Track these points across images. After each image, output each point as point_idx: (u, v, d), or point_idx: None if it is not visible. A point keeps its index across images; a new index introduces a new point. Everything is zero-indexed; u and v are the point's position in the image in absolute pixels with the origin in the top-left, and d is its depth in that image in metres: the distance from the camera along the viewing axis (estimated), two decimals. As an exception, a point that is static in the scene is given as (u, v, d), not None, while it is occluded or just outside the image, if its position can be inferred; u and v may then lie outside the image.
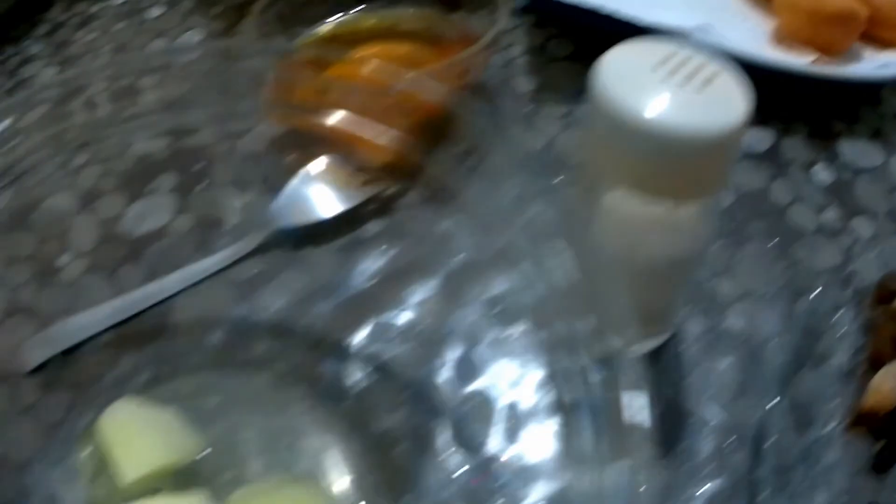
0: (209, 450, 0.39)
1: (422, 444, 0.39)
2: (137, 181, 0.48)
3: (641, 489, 0.25)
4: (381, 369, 0.42)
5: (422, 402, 0.41)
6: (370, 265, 0.45)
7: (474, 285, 0.43)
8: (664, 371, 0.41)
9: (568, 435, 0.30)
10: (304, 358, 0.43)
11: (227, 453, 0.39)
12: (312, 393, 0.41)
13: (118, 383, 0.43)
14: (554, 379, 0.35)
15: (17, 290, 0.46)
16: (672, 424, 0.39)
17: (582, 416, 0.29)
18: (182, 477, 0.39)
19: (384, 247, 0.44)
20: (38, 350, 0.44)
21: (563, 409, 0.31)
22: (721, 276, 0.45)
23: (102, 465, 0.39)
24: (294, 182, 0.46)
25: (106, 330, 0.44)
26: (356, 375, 0.42)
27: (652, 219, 0.35)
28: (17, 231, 0.47)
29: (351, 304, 0.44)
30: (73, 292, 0.45)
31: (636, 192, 0.33)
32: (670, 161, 0.31)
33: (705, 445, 0.38)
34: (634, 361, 0.28)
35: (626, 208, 0.35)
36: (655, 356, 0.41)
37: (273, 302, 0.44)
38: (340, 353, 0.43)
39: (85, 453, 0.40)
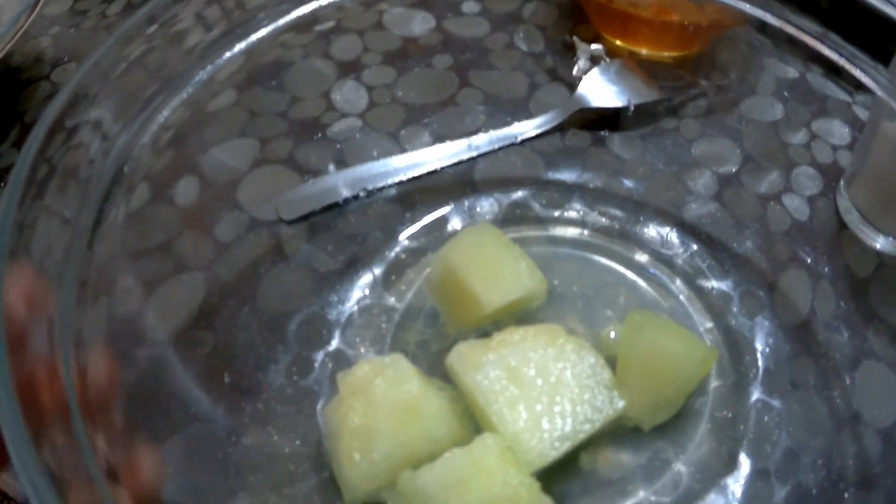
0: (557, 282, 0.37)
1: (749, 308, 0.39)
2: (404, 58, 0.46)
3: None
4: (703, 238, 0.42)
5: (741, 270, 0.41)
6: (671, 151, 0.44)
7: (754, 178, 0.44)
8: None
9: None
10: (625, 220, 0.42)
11: (573, 292, 0.38)
12: (645, 251, 0.41)
13: (415, 234, 0.40)
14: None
15: (270, 142, 0.41)
16: None
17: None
18: (521, 315, 0.36)
19: (681, 140, 0.43)
20: (305, 201, 0.40)
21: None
22: None
23: (446, 295, 0.36)
24: (595, 73, 0.44)
25: (392, 185, 0.41)
26: (679, 240, 0.42)
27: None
28: (259, 87, 0.43)
29: (658, 182, 0.43)
30: (346, 148, 0.41)
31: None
32: None
33: None
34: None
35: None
36: None
37: (580, 174, 0.43)
38: (660, 219, 0.42)
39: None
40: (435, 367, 0.35)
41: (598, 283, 0.39)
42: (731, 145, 0.43)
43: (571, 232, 0.41)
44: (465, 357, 0.33)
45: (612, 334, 0.36)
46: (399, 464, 0.31)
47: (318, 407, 0.35)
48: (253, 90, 0.43)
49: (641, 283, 0.40)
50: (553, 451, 0.31)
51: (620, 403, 0.33)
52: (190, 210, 0.38)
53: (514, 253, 0.35)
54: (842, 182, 0.44)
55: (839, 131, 0.44)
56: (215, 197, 0.39)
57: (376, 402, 0.32)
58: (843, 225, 0.42)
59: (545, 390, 0.32)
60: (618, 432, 0.35)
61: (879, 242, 0.42)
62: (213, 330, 0.36)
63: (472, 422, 0.33)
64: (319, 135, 0.42)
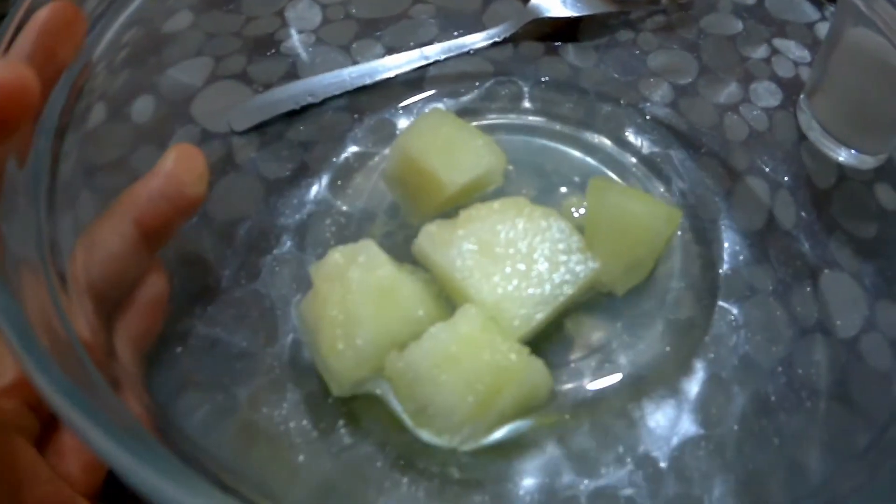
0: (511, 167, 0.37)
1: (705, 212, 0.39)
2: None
3: None
4: (658, 143, 0.42)
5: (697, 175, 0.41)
6: (627, 61, 0.43)
7: (715, 88, 0.43)
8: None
9: None
10: (577, 123, 0.42)
11: (528, 174, 0.38)
12: (598, 154, 0.41)
13: (363, 140, 0.40)
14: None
15: (224, 59, 0.41)
16: None
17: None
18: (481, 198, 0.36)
19: (637, 52, 0.43)
20: (256, 112, 0.39)
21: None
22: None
23: (405, 184, 0.36)
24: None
25: (342, 95, 0.41)
26: (633, 142, 0.42)
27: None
28: (217, 10, 0.43)
29: (613, 89, 0.43)
30: (298, 62, 0.42)
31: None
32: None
33: None
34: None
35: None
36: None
37: (537, 75, 0.43)
38: (614, 122, 0.42)
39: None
40: (402, 257, 0.34)
41: (554, 170, 0.40)
42: (688, 57, 0.43)
43: (524, 127, 0.41)
44: (434, 237, 0.33)
45: (574, 211, 0.37)
46: (383, 349, 0.31)
47: (268, 306, 0.35)
48: (210, 13, 0.42)
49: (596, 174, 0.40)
50: (537, 315, 0.31)
51: (595, 264, 0.33)
52: (146, 126, 0.38)
53: (471, 132, 0.35)
54: (802, 95, 0.43)
55: (799, 52, 0.43)
56: (170, 113, 0.39)
57: (353, 289, 0.31)
58: (803, 137, 0.42)
59: (519, 259, 0.32)
60: (594, 301, 0.35)
61: (842, 155, 0.41)
62: (165, 238, 0.36)
63: (448, 303, 0.33)
64: (273, 51, 0.42)
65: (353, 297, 0.31)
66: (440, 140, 0.34)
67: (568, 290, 0.32)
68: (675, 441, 0.33)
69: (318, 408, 0.32)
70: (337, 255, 0.32)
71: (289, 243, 0.37)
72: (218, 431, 0.32)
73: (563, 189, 0.39)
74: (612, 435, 0.33)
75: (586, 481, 0.31)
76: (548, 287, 0.32)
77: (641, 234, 0.34)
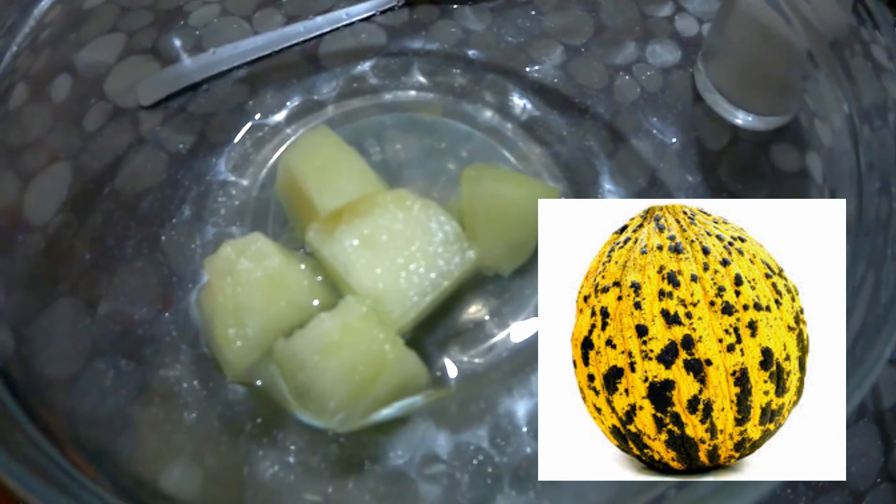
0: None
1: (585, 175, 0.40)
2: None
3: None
4: (543, 106, 0.42)
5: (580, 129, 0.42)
6: (521, 24, 0.44)
7: (610, 48, 0.44)
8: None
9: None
10: (469, 87, 0.43)
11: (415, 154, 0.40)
12: (481, 118, 0.42)
13: (259, 112, 0.42)
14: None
15: (136, 34, 0.43)
16: None
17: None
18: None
19: (533, 12, 0.44)
20: (161, 86, 0.41)
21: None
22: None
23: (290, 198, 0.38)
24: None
25: (242, 66, 0.42)
26: (522, 103, 0.42)
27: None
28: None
29: (502, 52, 0.44)
30: (204, 34, 0.43)
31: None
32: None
33: None
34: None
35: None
36: None
37: (427, 44, 0.43)
38: (499, 87, 0.43)
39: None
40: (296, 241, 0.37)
41: (435, 149, 0.41)
42: (585, 17, 0.43)
43: (408, 100, 0.42)
44: (320, 232, 0.35)
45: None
46: (272, 335, 0.33)
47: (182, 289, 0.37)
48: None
49: (479, 147, 0.41)
50: (415, 306, 0.34)
51: (472, 254, 0.35)
52: (63, 105, 0.40)
53: (349, 156, 0.37)
54: (700, 54, 0.43)
55: (705, 6, 0.43)
56: (85, 90, 0.41)
57: (242, 280, 0.33)
58: (698, 98, 0.42)
59: (399, 252, 0.34)
60: (480, 282, 0.37)
61: (739, 118, 0.42)
62: (77, 213, 0.39)
63: (336, 288, 0.35)
64: (182, 23, 0.43)
65: (242, 288, 0.33)
66: (319, 161, 0.36)
67: (446, 281, 0.34)
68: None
69: (210, 367, 0.35)
70: (228, 249, 0.34)
71: (187, 212, 0.39)
72: (119, 395, 0.35)
73: (451, 166, 0.40)
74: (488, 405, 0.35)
75: (451, 442, 0.34)
76: (426, 279, 0.34)
77: (520, 216, 0.35)
